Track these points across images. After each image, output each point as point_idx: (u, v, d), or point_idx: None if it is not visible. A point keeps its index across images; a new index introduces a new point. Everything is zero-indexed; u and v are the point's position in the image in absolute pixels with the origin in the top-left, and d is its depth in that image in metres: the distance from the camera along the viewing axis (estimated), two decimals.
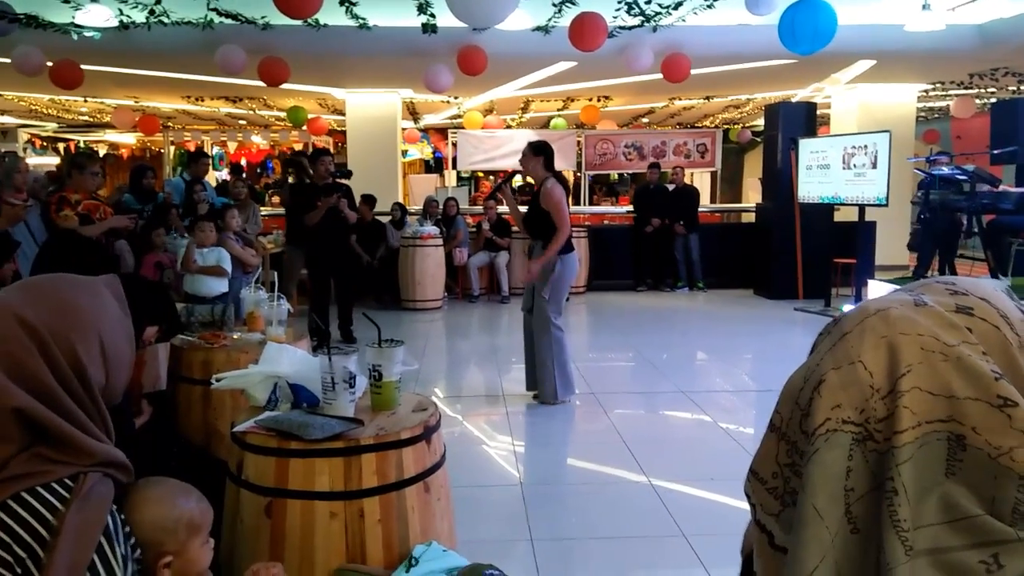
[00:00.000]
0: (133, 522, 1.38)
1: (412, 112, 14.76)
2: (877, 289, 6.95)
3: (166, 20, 7.90)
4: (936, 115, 15.51)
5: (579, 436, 4.79)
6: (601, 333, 8.03)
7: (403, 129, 13.86)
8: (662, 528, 3.25)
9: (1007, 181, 7.55)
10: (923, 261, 7.00)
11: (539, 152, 5.00)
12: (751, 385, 5.93)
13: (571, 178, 14.39)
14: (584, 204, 14.19)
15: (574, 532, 3.27)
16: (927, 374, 0.73)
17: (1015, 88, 11.56)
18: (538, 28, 8.45)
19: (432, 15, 7.95)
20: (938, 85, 12.05)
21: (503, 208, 10.52)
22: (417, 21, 8.16)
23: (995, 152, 7.80)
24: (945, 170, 6.57)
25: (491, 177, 18.54)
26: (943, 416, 0.73)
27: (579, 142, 13.27)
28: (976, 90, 12.23)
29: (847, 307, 7.40)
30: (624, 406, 5.21)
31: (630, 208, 10.69)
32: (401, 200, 10.89)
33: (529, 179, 5.19)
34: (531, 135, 13.16)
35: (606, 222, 12.12)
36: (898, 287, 0.87)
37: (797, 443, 0.76)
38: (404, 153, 15.53)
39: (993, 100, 11.40)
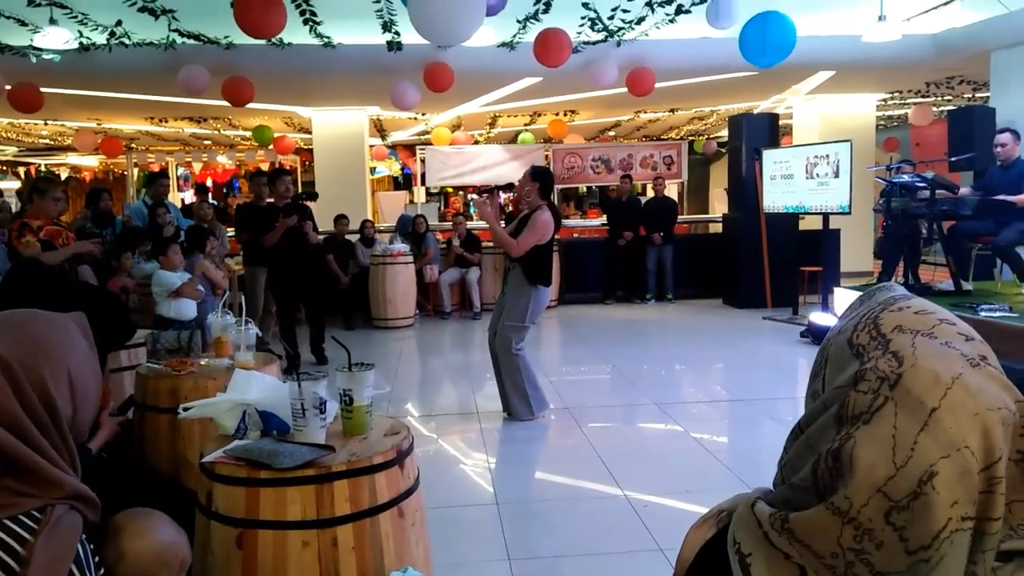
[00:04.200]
0: (129, 552, 1.38)
1: (379, 129, 14.74)
2: (843, 297, 7.05)
3: (127, 41, 7.82)
4: (895, 123, 15.84)
5: (554, 451, 4.78)
6: (574, 347, 8.05)
7: (371, 146, 13.83)
8: (639, 543, 3.25)
9: (965, 187, 7.71)
10: (888, 268, 7.12)
11: (536, 178, 4.96)
12: (723, 395, 5.97)
13: None
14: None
15: (551, 549, 3.26)
16: (1005, 450, 0.72)
17: (970, 96, 11.85)
18: (503, 44, 8.50)
19: (397, 33, 7.96)
20: (896, 94, 12.32)
21: (472, 224, 10.53)
22: (382, 39, 8.16)
23: (953, 159, 7.97)
24: (905, 178, 6.69)
25: (460, 193, 18.56)
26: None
27: (547, 156, 13.34)
28: (933, 98, 12.53)
29: (815, 315, 7.52)
30: (598, 420, 5.22)
31: (602, 221, 10.74)
32: (370, 217, 10.85)
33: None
34: (499, 150, 13.21)
35: (576, 235, 12.18)
36: (919, 309, 0.84)
37: (875, 531, 0.72)
38: (372, 170, 15.48)
39: (950, 107, 11.67)
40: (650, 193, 13.28)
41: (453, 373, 6.85)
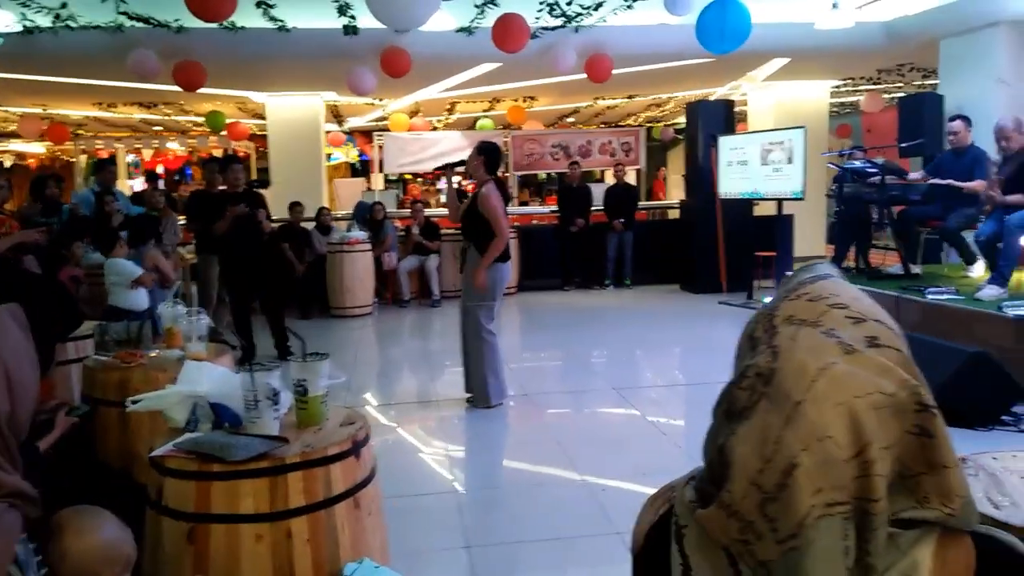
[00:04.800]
0: (72, 550, 1.34)
1: (336, 115, 14.54)
2: None
3: (73, 24, 7.57)
4: (848, 110, 16.11)
5: (513, 438, 4.79)
6: (533, 334, 8.07)
7: (327, 132, 13.64)
8: (598, 527, 3.27)
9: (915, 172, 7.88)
10: (840, 252, 7.25)
11: (482, 153, 4.96)
12: (680, 379, 6.04)
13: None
14: (514, 205, 14.23)
15: (511, 536, 3.27)
16: (884, 434, 0.74)
17: (920, 83, 12.10)
18: (461, 29, 8.42)
19: (353, 17, 7.85)
20: (849, 81, 12.52)
21: (431, 211, 10.47)
22: (338, 23, 8.03)
23: (903, 145, 8.14)
24: (857, 163, 6.81)
25: (419, 179, 18.43)
26: (898, 470, 0.75)
27: (506, 143, 13.31)
28: (884, 85, 12.76)
29: (768, 300, 7.57)
30: (557, 406, 5.24)
31: (559, 207, 10.77)
32: (327, 205, 10.71)
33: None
34: (458, 136, 13.12)
35: (535, 222, 12.19)
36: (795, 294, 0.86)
37: (754, 523, 0.74)
38: (328, 157, 15.29)
39: (900, 95, 11.90)
40: (610, 180, 13.35)
41: (412, 361, 6.82)
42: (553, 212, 11.21)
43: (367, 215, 9.64)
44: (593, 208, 10.68)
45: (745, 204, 9.58)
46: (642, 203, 11.97)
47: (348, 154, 18.09)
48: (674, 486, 0.97)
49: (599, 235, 10.38)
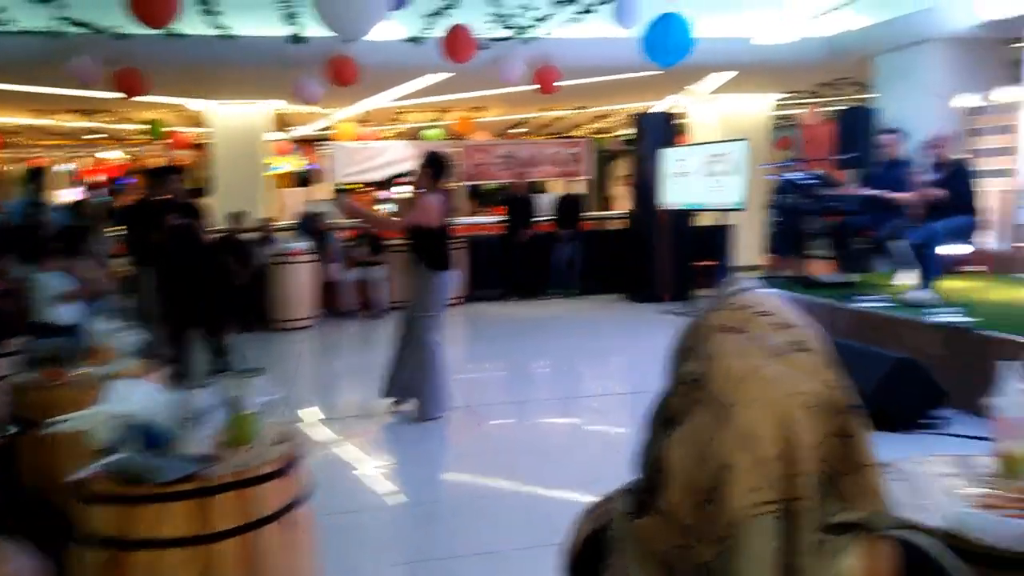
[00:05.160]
0: None
1: (282, 123, 14.36)
2: None
3: (12, 29, 7.34)
4: (789, 123, 16.51)
5: (456, 451, 4.77)
6: (477, 344, 8.06)
7: (273, 141, 13.45)
8: (542, 537, 3.27)
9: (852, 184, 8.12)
10: (779, 262, 7.43)
11: (428, 164, 4.96)
12: (622, 388, 6.09)
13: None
14: (462, 216, 14.22)
15: (450, 550, 3.25)
16: (811, 434, 0.76)
17: (856, 97, 12.47)
18: (410, 39, 8.41)
19: (300, 25, 7.77)
20: (791, 95, 12.85)
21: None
22: (285, 31, 7.94)
23: (840, 157, 8.37)
24: (796, 175, 6.99)
25: (368, 190, 18.25)
26: (824, 470, 0.77)
27: (453, 153, 13.30)
28: (823, 99, 13.13)
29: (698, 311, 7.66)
30: (501, 417, 5.24)
31: (505, 218, 10.81)
32: (271, 214, 10.55)
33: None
34: (406, 146, 13.07)
35: (482, 233, 12.19)
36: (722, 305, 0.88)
37: (692, 527, 0.75)
38: (274, 166, 15.07)
39: (838, 108, 12.25)
40: (557, 190, 13.45)
41: (355, 374, 6.75)
42: (500, 222, 11.24)
43: (311, 226, 9.52)
44: (539, 218, 10.75)
45: (688, 214, 9.74)
46: (588, 213, 12.06)
47: (294, 163, 17.85)
48: (611, 498, 0.98)
49: (546, 245, 10.44)
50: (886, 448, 2.24)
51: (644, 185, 10.04)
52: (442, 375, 5.02)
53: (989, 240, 7.38)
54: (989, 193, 7.10)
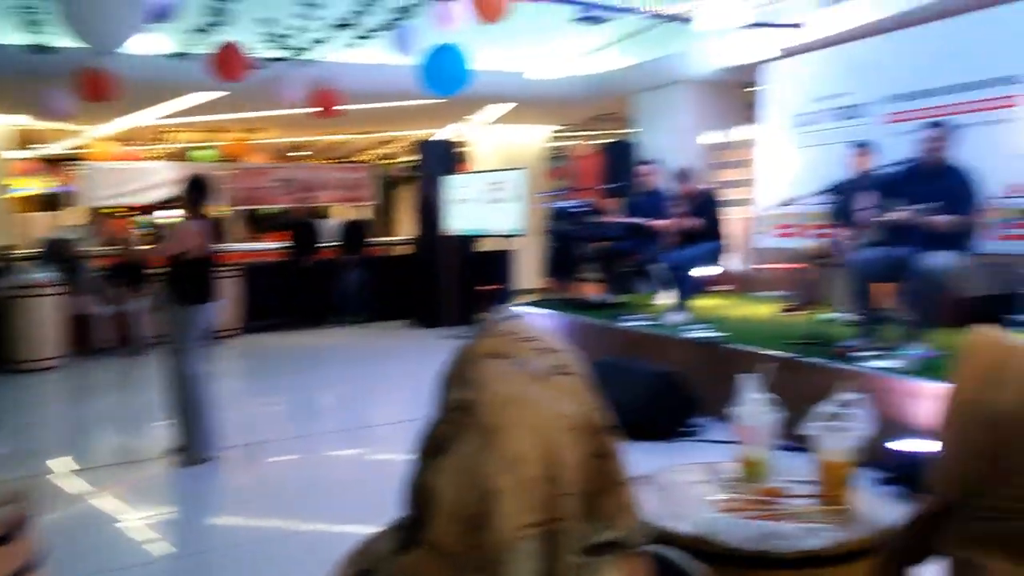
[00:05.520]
0: None
1: (27, 141, 12.86)
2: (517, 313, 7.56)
3: None
4: (562, 154, 17.52)
5: (230, 494, 4.47)
6: (257, 378, 7.65)
7: (15, 160, 12.01)
8: None
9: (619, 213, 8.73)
10: (555, 285, 7.81)
11: (188, 189, 4.67)
12: (409, 415, 6.03)
13: (220, 215, 13.65)
14: (236, 242, 13.52)
15: None
16: (571, 455, 0.76)
17: (622, 131, 13.49)
18: (176, 54, 7.89)
19: (45, 34, 7.01)
20: (564, 127, 13.64)
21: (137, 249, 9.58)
22: (28, 39, 7.13)
23: (607, 187, 8.98)
24: (568, 203, 7.40)
25: (124, 214, 16.82)
26: (584, 490, 0.77)
27: (227, 176, 12.65)
28: (593, 132, 14.07)
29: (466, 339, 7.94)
30: (282, 453, 4.99)
31: (285, 244, 10.43)
32: (10, 242, 9.38)
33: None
34: (170, 168, 12.22)
35: (261, 259, 11.66)
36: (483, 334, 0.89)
37: (461, 557, 0.73)
38: (16, 188, 13.43)
39: (605, 141, 13.18)
40: (341, 215, 13.21)
41: (113, 418, 6.13)
42: (281, 248, 10.82)
43: (60, 253, 8.55)
44: (324, 244, 10.49)
45: (470, 240, 9.96)
46: (374, 239, 11.95)
47: (41, 184, 16.03)
48: (375, 538, 0.94)
49: (331, 271, 10.19)
50: (650, 457, 2.39)
51: (428, 211, 10.13)
52: (210, 413, 4.69)
53: (733, 262, 8.24)
54: (732, 220, 7.92)
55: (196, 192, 4.66)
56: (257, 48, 7.72)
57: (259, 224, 17.75)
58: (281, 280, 10.15)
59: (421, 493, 0.78)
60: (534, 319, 0.92)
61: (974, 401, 1.07)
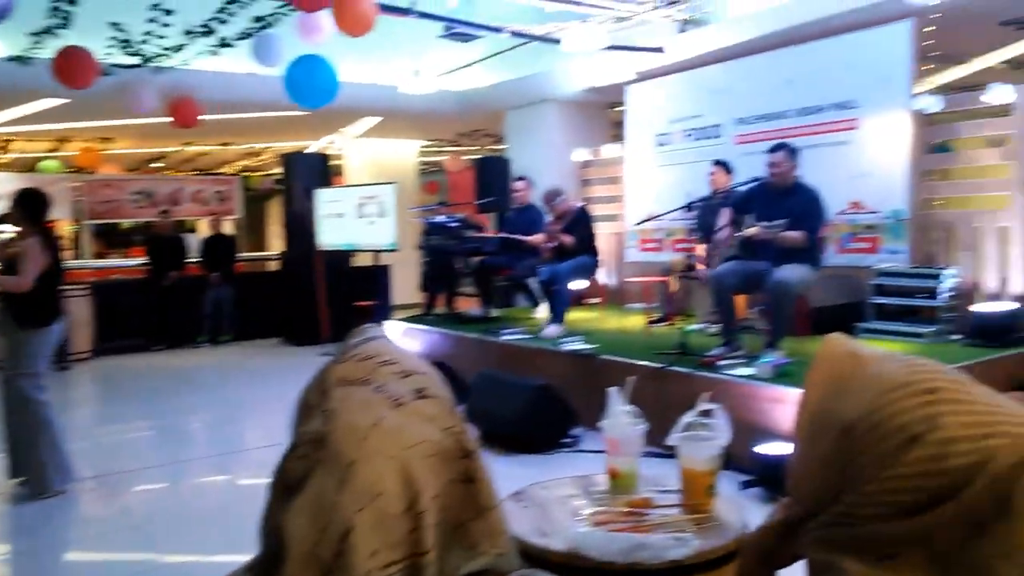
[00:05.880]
0: None
1: None
2: (393, 329, 7.47)
3: None
4: (434, 168, 17.52)
5: (84, 528, 4.15)
6: (114, 403, 7.17)
7: None
8: None
9: (492, 227, 8.81)
10: (430, 300, 7.77)
11: (20, 202, 4.32)
12: (278, 438, 5.82)
13: (68, 229, 12.77)
14: (87, 258, 12.66)
15: None
16: (434, 482, 0.74)
17: (492, 147, 13.65)
18: (15, 58, 7.33)
19: None
20: (435, 142, 13.63)
21: None
22: None
23: (480, 202, 9.04)
24: (441, 218, 7.40)
25: None
26: (448, 518, 0.75)
27: (76, 188, 11.84)
28: (463, 147, 14.15)
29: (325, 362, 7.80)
30: (141, 483, 4.69)
31: (144, 260, 9.86)
32: None
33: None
34: (10, 180, 11.30)
35: (116, 277, 10.97)
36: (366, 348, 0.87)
37: None
38: None
39: (476, 156, 13.29)
40: (205, 230, 12.63)
41: None
42: (141, 265, 10.22)
43: None
44: (189, 260, 9.99)
45: (344, 255, 9.76)
46: (241, 254, 11.50)
47: None
48: None
49: (195, 289, 9.71)
50: (528, 469, 2.40)
51: (297, 225, 9.84)
52: (58, 442, 4.35)
53: (605, 276, 8.49)
54: (603, 235, 8.16)
55: (32, 206, 4.32)
56: (106, 53, 7.28)
57: (115, 239, 16.72)
58: (140, 298, 9.59)
59: (274, 534, 0.74)
60: (400, 337, 0.90)
61: (822, 410, 1.14)
